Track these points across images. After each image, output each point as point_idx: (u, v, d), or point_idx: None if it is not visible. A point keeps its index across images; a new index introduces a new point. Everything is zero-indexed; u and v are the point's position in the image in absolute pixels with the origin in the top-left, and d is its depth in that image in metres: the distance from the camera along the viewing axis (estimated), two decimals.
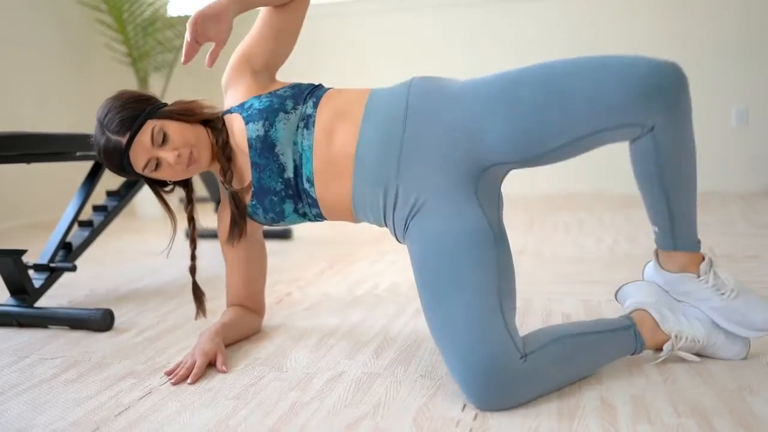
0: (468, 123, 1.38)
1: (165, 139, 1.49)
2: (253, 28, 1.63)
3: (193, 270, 1.70)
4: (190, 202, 1.68)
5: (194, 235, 1.69)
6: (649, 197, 1.40)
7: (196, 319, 1.74)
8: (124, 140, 1.48)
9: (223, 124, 1.57)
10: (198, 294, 1.72)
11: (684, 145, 1.35)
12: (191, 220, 1.68)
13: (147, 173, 1.53)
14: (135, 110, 1.50)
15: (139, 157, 1.50)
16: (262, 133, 1.48)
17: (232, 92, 1.60)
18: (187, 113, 1.55)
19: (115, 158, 1.51)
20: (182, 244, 2.93)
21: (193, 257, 1.70)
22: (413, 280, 2.26)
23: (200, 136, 1.54)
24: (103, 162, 1.55)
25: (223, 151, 1.55)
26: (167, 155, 1.49)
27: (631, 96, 1.27)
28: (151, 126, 1.49)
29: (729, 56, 4.16)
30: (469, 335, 1.23)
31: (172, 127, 1.51)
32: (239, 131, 1.52)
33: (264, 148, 1.48)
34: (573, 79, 1.32)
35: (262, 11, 1.61)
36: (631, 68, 1.29)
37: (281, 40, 1.61)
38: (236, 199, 1.58)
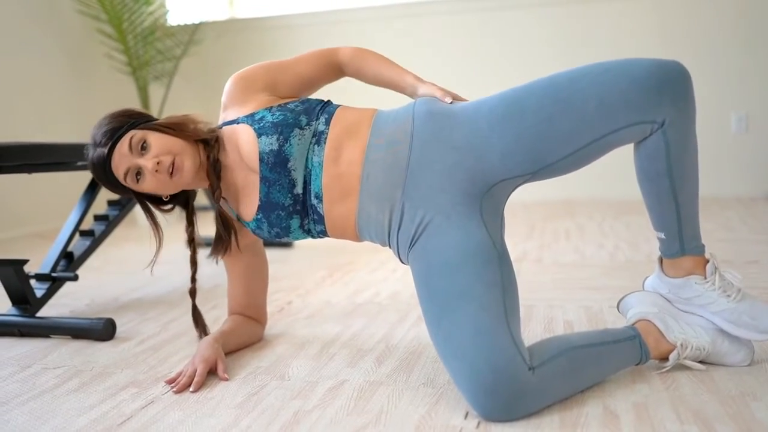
0: (472, 141, 1.38)
1: (145, 148, 1.48)
2: (295, 63, 1.62)
3: (193, 293, 1.71)
4: (191, 224, 1.66)
5: (195, 257, 1.68)
6: (656, 199, 1.39)
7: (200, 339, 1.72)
8: (105, 150, 1.49)
9: (216, 140, 1.54)
10: (197, 317, 1.73)
11: (690, 142, 1.36)
12: (192, 241, 1.67)
13: (130, 184, 1.51)
14: (120, 122, 1.51)
15: (119, 165, 1.49)
16: (276, 147, 1.46)
17: (237, 108, 1.57)
18: (175, 127, 1.52)
19: (100, 170, 1.51)
20: (185, 251, 2.93)
21: (194, 279, 1.71)
22: (414, 288, 2.27)
23: (185, 147, 1.51)
24: (94, 177, 1.56)
25: (213, 167, 1.52)
26: (146, 163, 1.47)
27: (642, 91, 1.28)
28: (131, 135, 1.49)
29: (728, 62, 4.18)
30: (475, 346, 1.22)
31: (154, 137, 1.49)
32: (248, 143, 1.49)
33: (277, 162, 1.46)
34: (579, 85, 1.33)
35: (316, 60, 1.62)
36: (638, 66, 1.31)
37: (316, 88, 1.66)
38: (223, 217, 1.59)
